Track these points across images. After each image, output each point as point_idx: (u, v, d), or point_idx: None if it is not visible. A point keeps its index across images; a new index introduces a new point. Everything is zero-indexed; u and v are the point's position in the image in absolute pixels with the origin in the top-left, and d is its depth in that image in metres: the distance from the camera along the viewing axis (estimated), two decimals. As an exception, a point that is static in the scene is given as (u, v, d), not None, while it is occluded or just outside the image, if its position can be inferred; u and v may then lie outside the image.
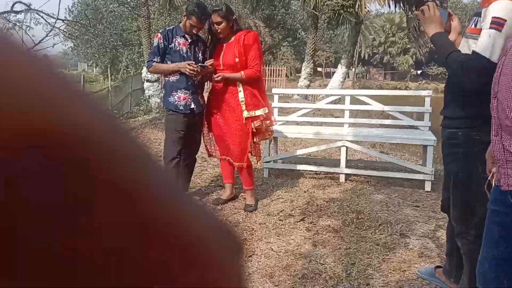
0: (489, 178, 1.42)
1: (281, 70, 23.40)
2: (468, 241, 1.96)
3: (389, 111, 4.47)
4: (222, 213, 3.42)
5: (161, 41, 3.26)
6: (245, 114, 3.28)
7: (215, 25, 3.21)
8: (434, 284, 2.35)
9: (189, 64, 3.13)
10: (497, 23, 1.60)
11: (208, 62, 3.24)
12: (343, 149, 4.16)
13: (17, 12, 7.17)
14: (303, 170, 4.44)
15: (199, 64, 3.19)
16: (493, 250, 1.36)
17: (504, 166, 1.27)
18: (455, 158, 1.94)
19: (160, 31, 3.34)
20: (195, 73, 3.14)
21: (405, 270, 2.50)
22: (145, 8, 9.33)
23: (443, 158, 2.06)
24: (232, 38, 3.27)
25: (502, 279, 1.32)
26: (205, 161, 3.71)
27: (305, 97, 13.72)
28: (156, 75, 8.60)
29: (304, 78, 14.15)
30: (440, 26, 1.88)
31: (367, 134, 4.29)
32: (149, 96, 9.88)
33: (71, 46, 26.47)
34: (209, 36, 3.40)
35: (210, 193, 3.88)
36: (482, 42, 1.65)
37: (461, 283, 2.03)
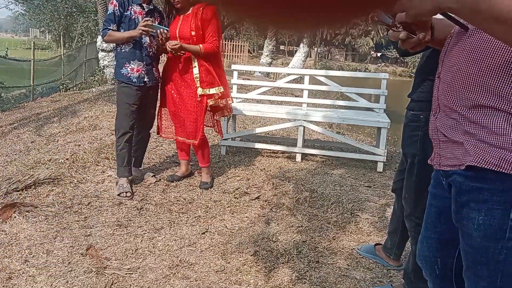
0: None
1: (244, 46, 23.14)
2: (416, 224, 2.02)
3: (346, 92, 4.52)
4: (177, 189, 3.37)
5: (117, 8, 3.09)
6: (200, 91, 3.20)
7: None
8: (380, 263, 2.44)
9: (143, 25, 3.00)
10: None
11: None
12: (301, 129, 4.18)
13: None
14: (261, 148, 4.44)
15: (155, 24, 3.06)
16: (431, 231, 1.41)
17: (437, 146, 1.31)
18: (415, 140, 1.98)
19: None
20: (147, 31, 3.02)
21: (353, 249, 2.57)
22: (101, -27, 8.85)
23: (402, 140, 2.09)
24: (190, 10, 3.16)
25: (437, 258, 1.38)
26: (159, 136, 3.62)
27: (267, 75, 13.68)
28: (111, 45, 8.26)
29: (266, 55, 14.07)
30: None
31: (325, 115, 4.33)
32: (104, 66, 9.48)
33: (20, 11, 24.87)
34: (166, 7, 3.27)
35: (165, 169, 3.81)
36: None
37: (407, 262, 2.11)
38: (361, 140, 5.53)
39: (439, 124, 1.27)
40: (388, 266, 2.40)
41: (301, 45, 14.15)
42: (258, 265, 2.35)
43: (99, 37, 9.06)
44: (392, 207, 3.20)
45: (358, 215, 3.03)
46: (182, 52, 3.12)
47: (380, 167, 4.04)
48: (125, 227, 2.73)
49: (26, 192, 3.17)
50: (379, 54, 34.38)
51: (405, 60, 31.66)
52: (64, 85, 10.63)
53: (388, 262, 2.40)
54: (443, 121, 1.25)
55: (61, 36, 16.56)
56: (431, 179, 1.45)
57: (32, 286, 2.08)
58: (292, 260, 2.41)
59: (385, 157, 4.01)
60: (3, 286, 2.07)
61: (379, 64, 33.71)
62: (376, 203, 3.26)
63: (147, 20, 3.02)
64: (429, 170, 1.89)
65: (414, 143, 1.99)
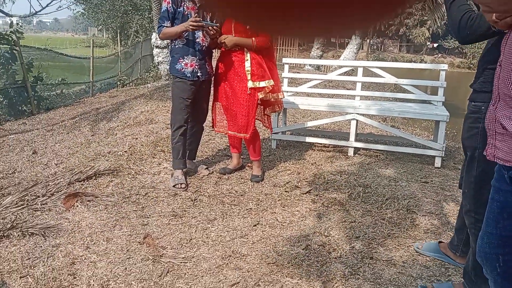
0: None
1: (294, 39, 22.97)
2: (475, 220, 1.92)
3: (402, 84, 4.36)
4: (229, 182, 3.41)
5: (170, 5, 3.17)
6: (250, 84, 3.21)
7: None
8: (438, 260, 2.34)
9: (192, 21, 3.06)
10: None
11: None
12: (353, 122, 4.08)
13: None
14: (312, 142, 4.39)
15: (204, 21, 3.11)
16: (492, 227, 1.35)
17: (493, 137, 1.24)
18: (475, 133, 1.88)
19: None
20: (196, 27, 3.08)
21: (409, 246, 2.49)
22: (156, -28, 9.09)
23: (462, 132, 2.00)
24: None
25: (498, 255, 1.31)
26: (213, 130, 3.68)
27: (317, 68, 13.51)
28: (165, 41, 8.49)
29: (317, 48, 13.90)
30: None
31: (379, 108, 4.20)
32: (158, 62, 9.77)
33: (80, 11, 26.20)
34: None
35: (217, 162, 3.87)
36: None
37: (466, 260, 2.01)
38: (417, 134, 5.32)
39: (498, 114, 1.21)
40: (457, 264, 2.30)
41: (353, 36, 13.83)
42: (310, 259, 2.33)
43: (154, 34, 9.34)
44: (451, 203, 3.06)
45: (414, 212, 2.92)
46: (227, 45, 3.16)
47: (438, 162, 3.87)
48: (180, 217, 2.80)
49: (87, 182, 3.34)
50: (435, 45, 32.84)
51: (464, 51, 30.06)
52: (121, 81, 11.07)
53: (455, 259, 2.30)
54: (503, 111, 1.19)
55: (118, 34, 17.26)
56: (494, 172, 1.37)
57: (93, 272, 2.20)
58: (345, 255, 2.37)
59: (443, 152, 3.84)
60: (68, 271, 2.20)
61: (435, 55, 32.22)
62: (433, 199, 3.13)
63: (195, 17, 3.08)
64: (490, 164, 1.79)
65: (474, 136, 1.89)
